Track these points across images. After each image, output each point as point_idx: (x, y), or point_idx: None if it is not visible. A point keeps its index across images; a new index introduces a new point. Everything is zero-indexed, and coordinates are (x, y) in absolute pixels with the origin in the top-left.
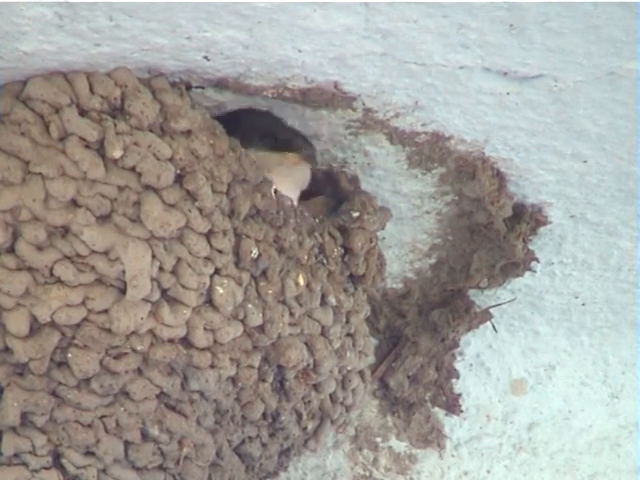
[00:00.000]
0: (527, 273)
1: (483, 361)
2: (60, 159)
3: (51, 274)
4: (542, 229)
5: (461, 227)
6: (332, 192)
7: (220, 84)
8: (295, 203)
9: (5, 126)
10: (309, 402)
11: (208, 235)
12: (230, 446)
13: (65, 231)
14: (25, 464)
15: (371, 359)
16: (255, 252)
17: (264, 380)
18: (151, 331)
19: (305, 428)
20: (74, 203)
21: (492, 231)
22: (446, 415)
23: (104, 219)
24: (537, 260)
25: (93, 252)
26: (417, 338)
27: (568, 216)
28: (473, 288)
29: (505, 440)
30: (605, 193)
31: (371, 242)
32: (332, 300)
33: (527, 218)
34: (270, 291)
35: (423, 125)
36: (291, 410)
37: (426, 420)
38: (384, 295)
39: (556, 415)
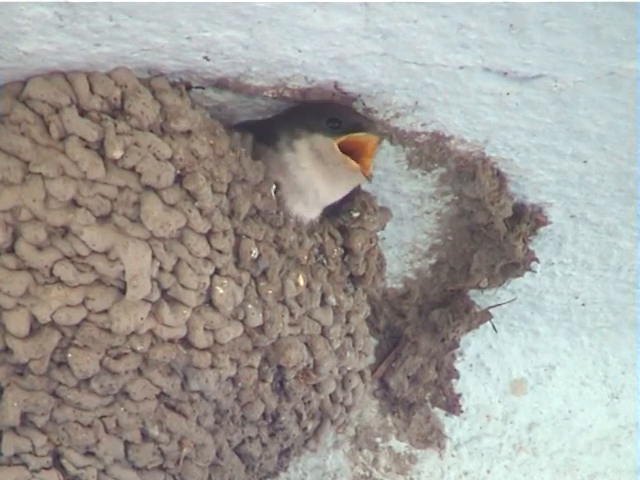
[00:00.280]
0: (527, 273)
1: (483, 361)
2: (60, 159)
3: (51, 274)
4: (542, 229)
5: (461, 227)
6: None
7: (220, 84)
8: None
9: (5, 126)
10: (309, 402)
11: (208, 235)
12: (230, 446)
13: (65, 231)
14: (25, 464)
15: (371, 359)
16: (255, 252)
17: (264, 380)
18: (151, 331)
19: (305, 428)
20: (74, 203)
21: (492, 231)
22: (446, 415)
23: (104, 219)
24: (537, 260)
25: (93, 252)
26: (417, 338)
27: (568, 216)
28: (473, 288)
29: (505, 440)
30: (605, 193)
31: (371, 242)
32: (332, 300)
33: (527, 218)
34: (270, 291)
35: (423, 125)
36: (291, 410)
37: (426, 420)
38: (384, 295)
39: (556, 415)
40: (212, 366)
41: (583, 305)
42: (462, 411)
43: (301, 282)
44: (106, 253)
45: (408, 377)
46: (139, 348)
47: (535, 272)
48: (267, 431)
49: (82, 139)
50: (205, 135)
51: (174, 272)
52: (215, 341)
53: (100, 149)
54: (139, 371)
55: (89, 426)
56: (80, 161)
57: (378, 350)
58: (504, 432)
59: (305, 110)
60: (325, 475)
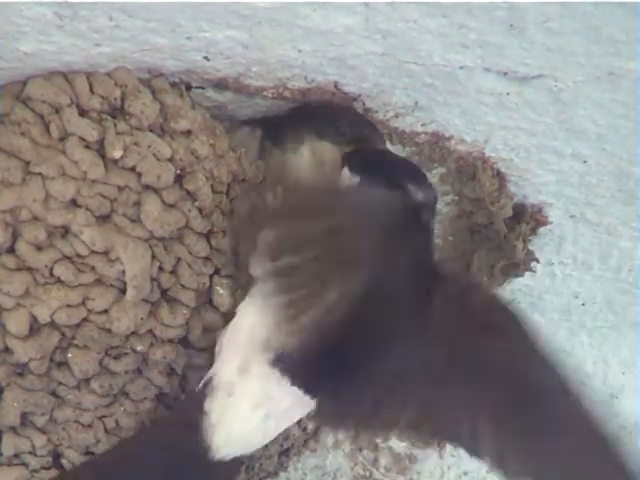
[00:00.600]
0: (527, 273)
1: None
2: (60, 159)
3: (51, 274)
4: (542, 229)
5: (461, 227)
6: None
7: (220, 84)
8: None
9: (5, 126)
10: None
11: (208, 235)
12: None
13: (65, 231)
14: (25, 464)
15: None
16: None
17: None
18: (151, 331)
19: (305, 428)
20: (74, 203)
21: (492, 231)
22: None
23: (104, 219)
24: (537, 260)
25: (93, 252)
26: None
27: (568, 216)
28: None
29: None
30: (605, 193)
31: None
32: None
33: (527, 218)
34: None
35: (423, 125)
36: None
37: None
38: None
39: None
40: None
41: (583, 305)
42: None
43: None
44: (106, 253)
45: None
46: (139, 348)
47: (535, 272)
48: None
49: (82, 139)
50: (205, 135)
51: (174, 272)
52: (215, 341)
53: (100, 149)
54: (139, 371)
55: (89, 426)
56: (80, 161)
57: None
58: None
59: (313, 114)
60: (325, 475)
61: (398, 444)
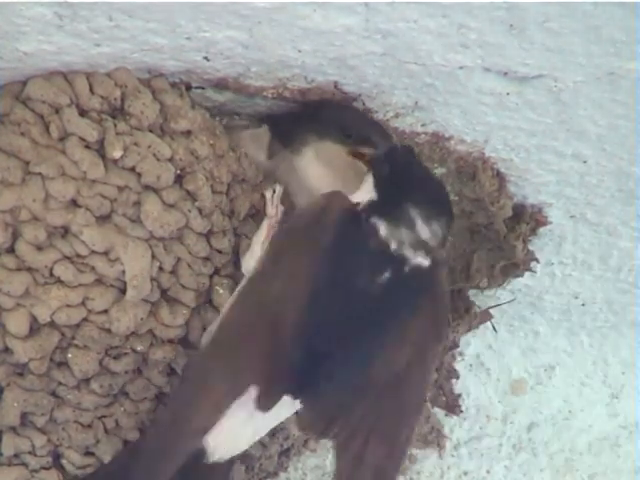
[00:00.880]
0: (527, 273)
1: (483, 361)
2: (60, 159)
3: (51, 274)
4: (542, 229)
5: (461, 227)
6: None
7: (220, 84)
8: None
9: (5, 126)
10: None
11: (208, 235)
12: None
13: (65, 231)
14: (25, 464)
15: None
16: None
17: None
18: (151, 331)
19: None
20: (74, 203)
21: (492, 231)
22: (446, 415)
23: (104, 219)
24: (537, 260)
25: (93, 252)
26: None
27: (568, 216)
28: (473, 288)
29: (505, 440)
30: (605, 193)
31: None
32: None
33: (527, 218)
34: None
35: (423, 125)
36: None
37: (426, 420)
38: None
39: (556, 415)
40: None
41: (583, 305)
42: (462, 411)
43: None
44: (106, 253)
45: None
46: (139, 348)
47: (535, 272)
48: None
49: (82, 139)
50: (205, 135)
51: (174, 272)
52: None
53: (100, 149)
54: (139, 371)
55: (89, 426)
56: (80, 161)
57: None
58: (504, 432)
59: (316, 114)
60: (325, 475)
61: None
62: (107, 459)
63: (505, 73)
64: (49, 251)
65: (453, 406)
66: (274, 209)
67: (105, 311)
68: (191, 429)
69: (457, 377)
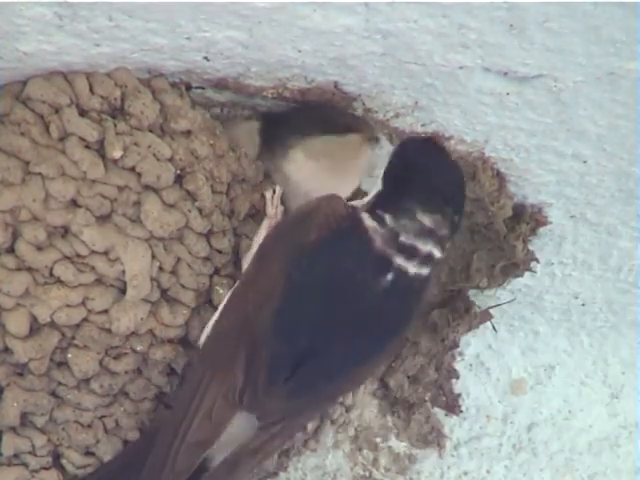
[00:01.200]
0: (527, 273)
1: (483, 361)
2: (60, 159)
3: (51, 274)
4: (542, 229)
5: (461, 227)
6: None
7: (220, 84)
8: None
9: (5, 126)
10: None
11: (208, 235)
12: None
13: (65, 231)
14: (25, 464)
15: None
16: None
17: None
18: (151, 331)
19: (305, 428)
20: (74, 203)
21: (492, 231)
22: (446, 415)
23: (104, 219)
24: (537, 260)
25: (93, 252)
26: (417, 338)
27: (568, 216)
28: (473, 288)
29: (505, 440)
30: (605, 193)
31: None
32: None
33: (527, 218)
34: None
35: (423, 125)
36: None
37: (426, 420)
38: None
39: (556, 415)
40: None
41: (583, 305)
42: (462, 411)
43: None
44: (106, 253)
45: (408, 377)
46: (139, 348)
47: (535, 272)
48: None
49: (82, 139)
50: (205, 135)
51: (174, 272)
52: None
53: (100, 149)
54: (139, 371)
55: (89, 426)
56: (80, 161)
57: None
58: (504, 432)
59: (297, 115)
60: (325, 475)
61: (398, 444)
62: (107, 459)
63: (505, 73)
64: (49, 251)
65: (453, 406)
66: (274, 209)
67: (105, 311)
68: (192, 444)
69: (457, 377)
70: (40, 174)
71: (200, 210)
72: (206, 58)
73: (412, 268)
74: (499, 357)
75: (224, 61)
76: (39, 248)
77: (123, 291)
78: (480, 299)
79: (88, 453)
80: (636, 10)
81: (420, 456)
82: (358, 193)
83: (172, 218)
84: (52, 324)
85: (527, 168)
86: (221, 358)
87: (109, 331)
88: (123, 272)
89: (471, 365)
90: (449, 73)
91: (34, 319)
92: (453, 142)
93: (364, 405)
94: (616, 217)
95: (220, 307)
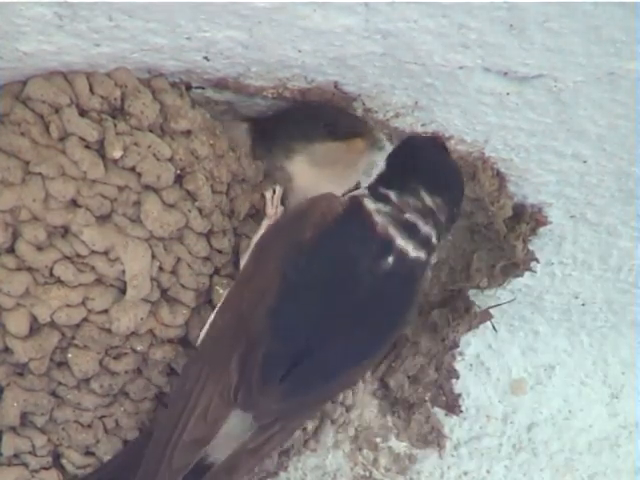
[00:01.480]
0: (527, 273)
1: (483, 361)
2: (60, 159)
3: (51, 274)
4: (542, 229)
5: (461, 227)
6: None
7: (220, 84)
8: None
9: (5, 126)
10: None
11: (208, 235)
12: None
13: (65, 231)
14: (25, 464)
15: None
16: None
17: None
18: (151, 331)
19: (305, 428)
20: (74, 203)
21: (492, 231)
22: (446, 415)
23: (104, 219)
24: (537, 260)
25: (93, 252)
26: (417, 338)
27: (568, 216)
28: (473, 288)
29: (505, 440)
30: (605, 193)
31: None
32: None
33: (527, 218)
34: None
35: (423, 125)
36: None
37: (426, 420)
38: None
39: (556, 415)
40: None
41: (583, 305)
42: (462, 411)
43: None
44: (106, 253)
45: (408, 377)
46: (139, 348)
47: (535, 272)
48: None
49: (82, 139)
50: (205, 135)
51: (174, 272)
52: None
53: (100, 149)
54: (139, 371)
55: (89, 426)
56: (80, 161)
57: None
58: (504, 432)
59: (300, 117)
60: (325, 475)
61: (398, 444)
62: (107, 459)
63: (505, 73)
64: (49, 251)
65: (453, 406)
66: (274, 209)
67: (105, 311)
68: (188, 443)
69: (457, 377)
70: (40, 174)
71: (200, 210)
72: (206, 58)
73: (412, 251)
74: (499, 357)
75: (224, 61)
76: (39, 248)
77: (123, 291)
78: (480, 299)
79: (88, 453)
80: (636, 10)
81: (420, 456)
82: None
83: (172, 218)
84: (52, 324)
85: (527, 168)
86: (217, 357)
87: (109, 331)
88: (123, 272)
89: (471, 365)
90: (449, 73)
91: (34, 319)
92: (453, 142)
93: (364, 405)
94: (616, 217)
95: (217, 306)
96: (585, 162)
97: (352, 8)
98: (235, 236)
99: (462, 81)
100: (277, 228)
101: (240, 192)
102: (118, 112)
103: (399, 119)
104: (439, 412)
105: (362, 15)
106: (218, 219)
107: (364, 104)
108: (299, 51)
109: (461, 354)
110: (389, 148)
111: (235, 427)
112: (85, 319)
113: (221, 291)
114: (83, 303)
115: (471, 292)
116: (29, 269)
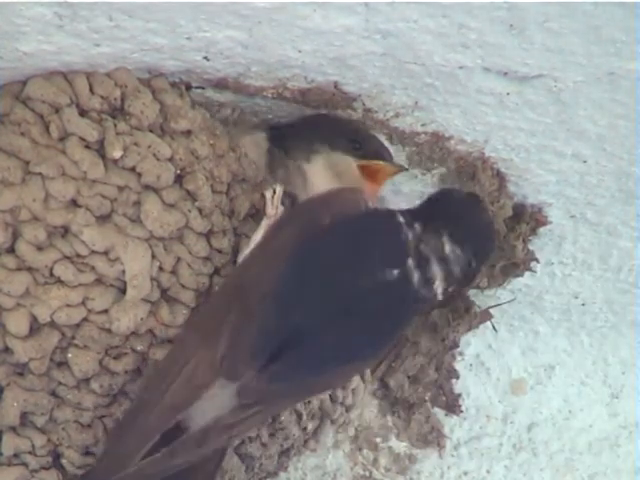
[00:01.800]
0: (527, 273)
1: (483, 361)
2: (60, 159)
3: (51, 274)
4: (542, 229)
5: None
6: None
7: (220, 84)
8: None
9: (5, 126)
10: (309, 402)
11: (208, 235)
12: (230, 446)
13: (65, 231)
14: (25, 464)
15: None
16: None
17: None
18: (151, 331)
19: (305, 428)
20: (74, 203)
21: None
22: (446, 415)
23: (104, 219)
24: (537, 260)
25: (93, 252)
26: (417, 338)
27: (568, 216)
28: (473, 288)
29: (505, 440)
30: (605, 193)
31: None
32: None
33: (527, 218)
34: None
35: (423, 125)
36: (291, 410)
37: (426, 420)
38: None
39: (556, 415)
40: None
41: (583, 305)
42: (462, 411)
43: None
44: (106, 253)
45: (408, 377)
46: (139, 348)
47: (535, 272)
48: (267, 431)
49: (82, 139)
50: (205, 135)
51: (174, 272)
52: None
53: (100, 149)
54: (138, 371)
55: (89, 426)
56: (80, 161)
57: None
58: (504, 432)
59: (324, 124)
60: (325, 475)
61: (398, 444)
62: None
63: (505, 73)
64: (49, 251)
65: (453, 406)
66: (274, 209)
67: (105, 311)
68: (167, 405)
69: (457, 377)
70: (40, 174)
71: (200, 210)
72: (206, 58)
73: (416, 281)
74: (499, 357)
75: (224, 61)
76: (39, 248)
77: (123, 291)
78: (480, 299)
79: (88, 453)
80: (636, 10)
81: (420, 456)
82: None
83: (172, 218)
84: (52, 324)
85: (527, 168)
86: (210, 325)
87: (109, 331)
88: (123, 272)
89: (471, 365)
90: (449, 73)
91: (34, 319)
92: (453, 142)
93: (364, 405)
94: (616, 217)
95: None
96: (585, 162)
97: (352, 8)
98: (235, 236)
99: (462, 81)
100: (296, 210)
101: (240, 192)
102: (118, 112)
103: (399, 119)
104: (439, 412)
105: (362, 15)
106: (218, 219)
107: (364, 104)
108: (299, 51)
109: (461, 354)
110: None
111: (217, 399)
112: (85, 319)
113: None
114: (83, 303)
115: (471, 292)
116: (29, 269)
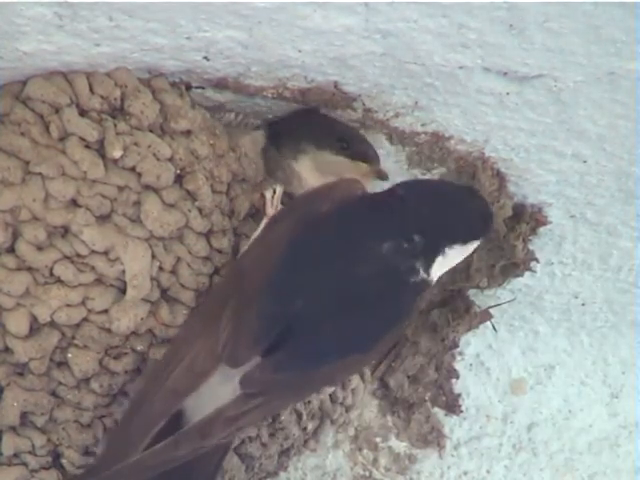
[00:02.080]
0: (527, 273)
1: (483, 361)
2: (60, 159)
3: (51, 274)
4: (542, 229)
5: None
6: None
7: (220, 84)
8: None
9: (5, 126)
10: (309, 402)
11: (208, 235)
12: (230, 446)
13: (65, 231)
14: (25, 464)
15: None
16: None
17: None
18: (151, 331)
19: (305, 428)
20: (74, 203)
21: (492, 231)
22: (446, 415)
23: (104, 219)
24: (537, 260)
25: (93, 252)
26: (417, 338)
27: (568, 216)
28: (473, 288)
29: (505, 440)
30: (605, 193)
31: None
32: None
33: (527, 218)
34: None
35: (423, 125)
36: (291, 410)
37: (426, 420)
38: None
39: (556, 415)
40: None
41: (583, 305)
42: (462, 411)
43: None
44: (106, 253)
45: (408, 377)
46: (139, 348)
47: (535, 272)
48: (267, 431)
49: (82, 139)
50: (205, 135)
51: (174, 272)
52: None
53: (100, 149)
54: (138, 371)
55: (89, 426)
56: (80, 161)
57: None
58: (504, 432)
59: (313, 123)
60: (325, 475)
61: (398, 444)
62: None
63: (505, 73)
64: (49, 251)
65: (453, 406)
66: (274, 209)
67: (105, 311)
68: (169, 390)
69: (457, 377)
70: (40, 174)
71: (200, 210)
72: (206, 58)
73: (411, 259)
74: (499, 357)
75: (224, 61)
76: (39, 248)
77: (123, 291)
78: (480, 299)
79: (88, 453)
80: (636, 10)
81: (420, 456)
82: None
83: (172, 218)
84: (52, 324)
85: (527, 168)
86: (212, 311)
87: (109, 331)
88: (123, 272)
89: (471, 365)
90: (449, 73)
91: (34, 319)
92: (453, 142)
93: (364, 405)
94: (616, 217)
95: None
96: (585, 162)
97: (352, 8)
98: (235, 236)
99: (462, 81)
100: (297, 200)
101: (240, 192)
102: (118, 112)
103: (399, 119)
104: (439, 412)
105: (362, 15)
106: (218, 219)
107: (364, 104)
108: (299, 51)
109: (461, 354)
110: (389, 148)
111: (219, 388)
112: (85, 319)
113: None
114: (83, 303)
115: (471, 292)
116: (29, 269)
